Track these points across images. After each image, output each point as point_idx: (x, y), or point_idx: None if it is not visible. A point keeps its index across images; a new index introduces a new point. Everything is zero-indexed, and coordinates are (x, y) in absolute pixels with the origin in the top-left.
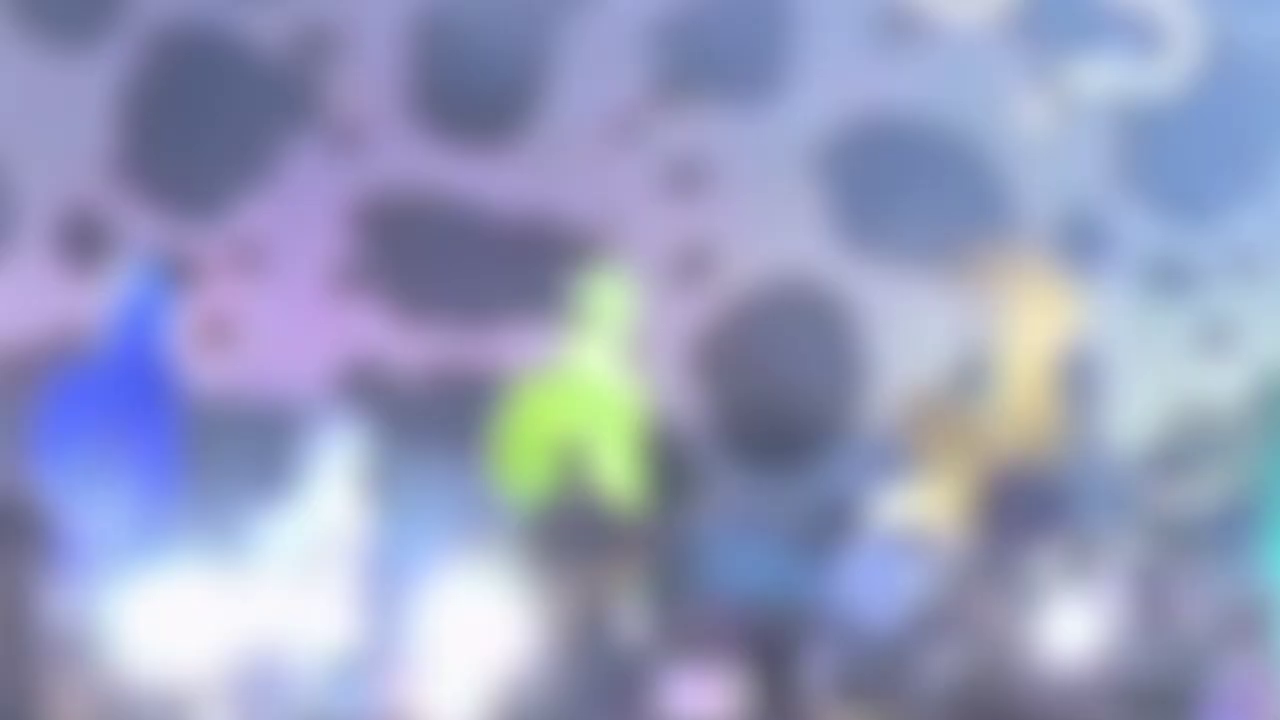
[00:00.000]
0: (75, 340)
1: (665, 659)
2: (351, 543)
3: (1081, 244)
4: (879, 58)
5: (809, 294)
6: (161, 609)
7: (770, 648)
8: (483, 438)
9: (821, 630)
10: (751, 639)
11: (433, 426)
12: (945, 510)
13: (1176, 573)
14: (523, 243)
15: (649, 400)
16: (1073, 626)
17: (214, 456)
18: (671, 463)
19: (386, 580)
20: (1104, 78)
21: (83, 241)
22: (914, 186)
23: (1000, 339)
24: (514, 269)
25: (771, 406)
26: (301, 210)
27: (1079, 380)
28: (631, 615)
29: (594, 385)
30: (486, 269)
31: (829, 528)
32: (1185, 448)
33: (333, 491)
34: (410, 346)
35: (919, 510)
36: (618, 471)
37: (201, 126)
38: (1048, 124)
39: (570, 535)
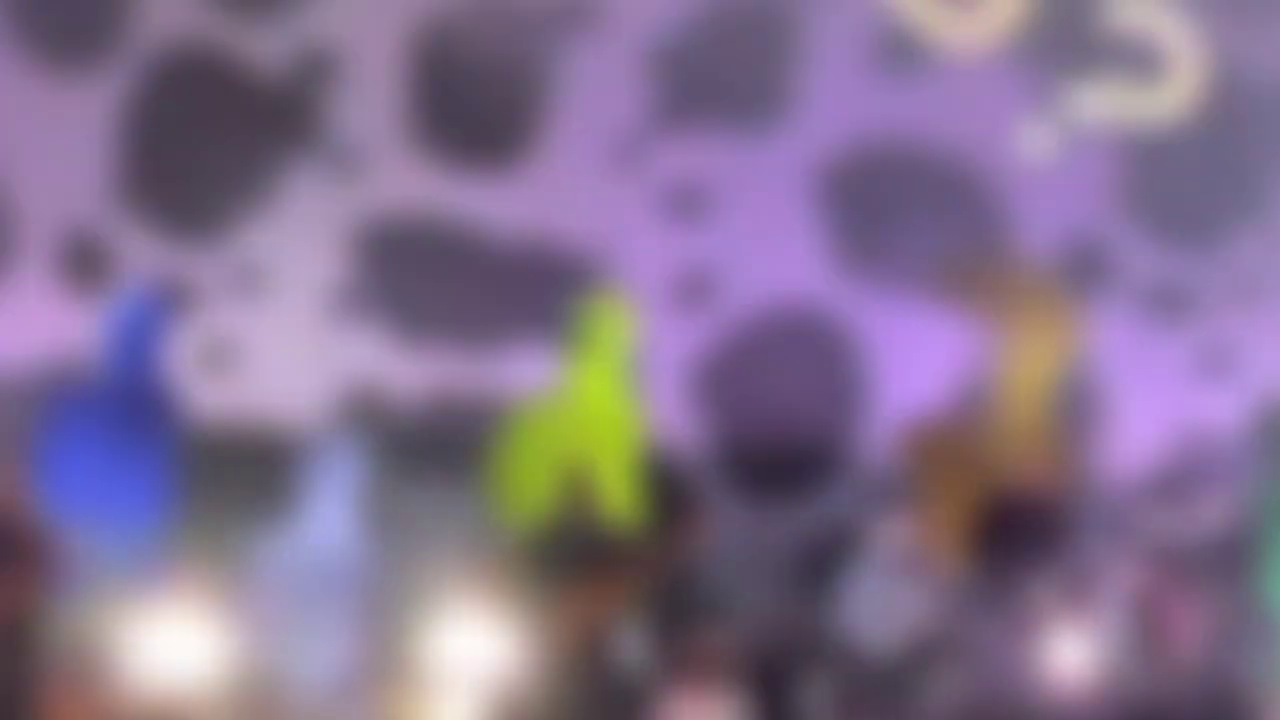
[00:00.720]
0: (75, 362)
1: (664, 682)
2: (351, 565)
3: (1082, 270)
4: (881, 84)
5: (809, 320)
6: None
7: (770, 672)
8: (483, 462)
9: (821, 655)
10: (751, 663)
11: (432, 450)
12: (945, 536)
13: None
14: (523, 267)
15: (649, 424)
16: (1071, 652)
17: (213, 479)
18: (671, 487)
19: (386, 602)
20: (1105, 105)
21: (83, 264)
22: (915, 212)
23: (1000, 365)
24: (514, 293)
25: (771, 431)
26: (301, 234)
27: (1079, 406)
28: (631, 638)
29: (594, 409)
30: (487, 293)
31: (828, 552)
32: (1185, 473)
33: (332, 514)
34: (410, 370)
35: (918, 535)
36: (618, 495)
37: (202, 150)
38: (1049, 150)
39: (570, 559)
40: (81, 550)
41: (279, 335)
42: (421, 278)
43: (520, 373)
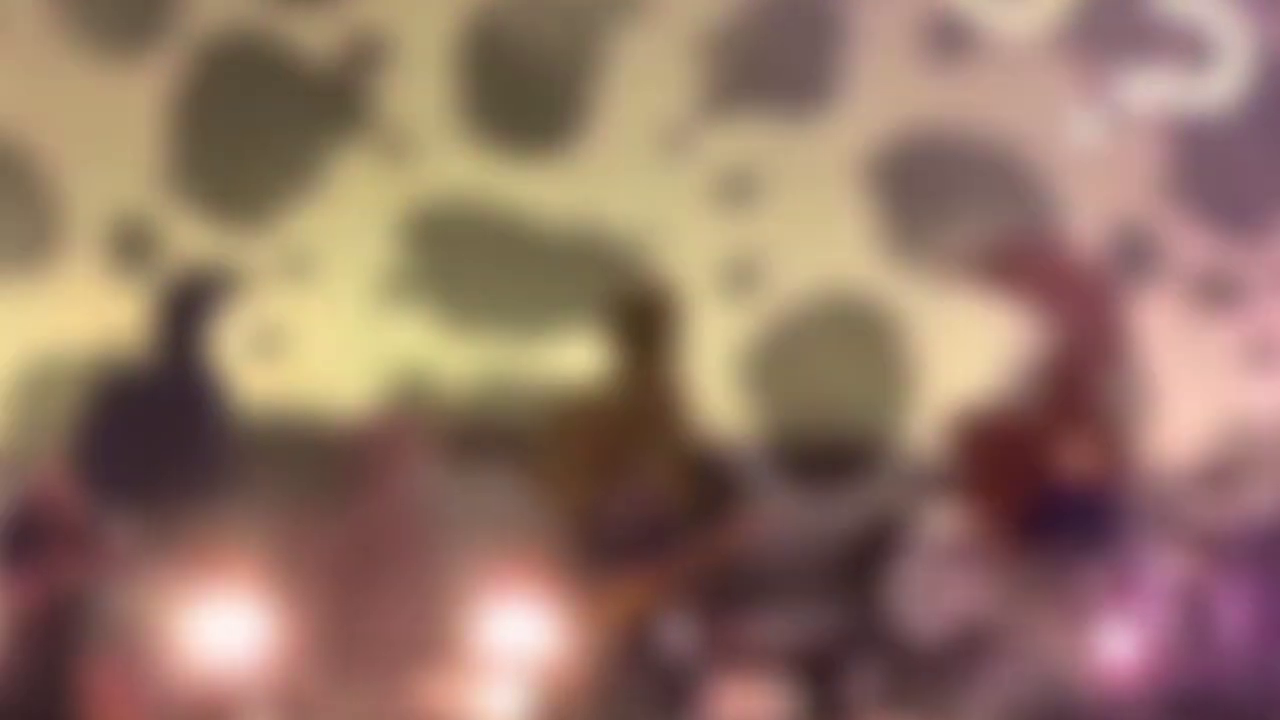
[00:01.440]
0: (123, 347)
1: (711, 670)
2: (402, 549)
3: (1131, 258)
4: (929, 71)
5: (857, 307)
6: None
7: (818, 660)
8: (531, 447)
9: (869, 644)
10: (799, 651)
11: (480, 436)
12: (992, 525)
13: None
14: (571, 253)
15: (697, 411)
16: (1119, 641)
17: (261, 463)
18: (719, 474)
19: (436, 586)
20: (1155, 92)
21: (132, 250)
22: (964, 200)
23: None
24: (562, 279)
25: (819, 419)
26: (350, 219)
27: (1126, 394)
28: (679, 626)
29: (642, 396)
30: (535, 279)
31: (876, 541)
32: (1233, 462)
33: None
34: (458, 355)
35: (966, 525)
36: (665, 482)
37: (251, 136)
38: (1098, 138)
39: (617, 545)
40: (127, 534)
41: (327, 320)
42: (470, 263)
43: (568, 358)
